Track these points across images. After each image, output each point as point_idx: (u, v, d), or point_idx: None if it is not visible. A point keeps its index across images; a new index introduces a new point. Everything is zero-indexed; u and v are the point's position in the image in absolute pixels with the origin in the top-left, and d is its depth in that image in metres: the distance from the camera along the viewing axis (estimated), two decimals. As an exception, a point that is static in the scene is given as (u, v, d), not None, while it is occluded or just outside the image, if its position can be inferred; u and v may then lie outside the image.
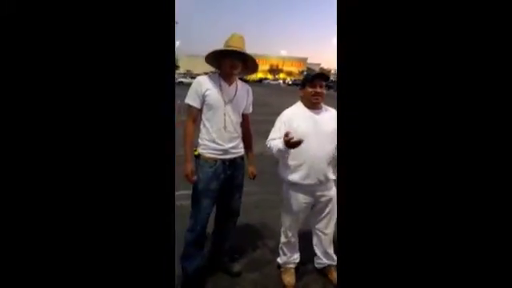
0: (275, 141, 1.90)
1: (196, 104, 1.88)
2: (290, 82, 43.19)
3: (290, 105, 2.08)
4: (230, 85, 1.93)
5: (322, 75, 1.96)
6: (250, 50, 1.94)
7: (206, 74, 2.00)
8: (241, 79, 2.09)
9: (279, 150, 1.84)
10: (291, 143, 1.73)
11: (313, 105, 1.95)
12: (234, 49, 1.84)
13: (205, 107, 1.89)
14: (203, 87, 1.87)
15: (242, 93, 2.00)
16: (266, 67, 72.01)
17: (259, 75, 66.29)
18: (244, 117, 2.05)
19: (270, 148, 1.95)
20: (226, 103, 1.90)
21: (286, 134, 1.74)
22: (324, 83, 1.95)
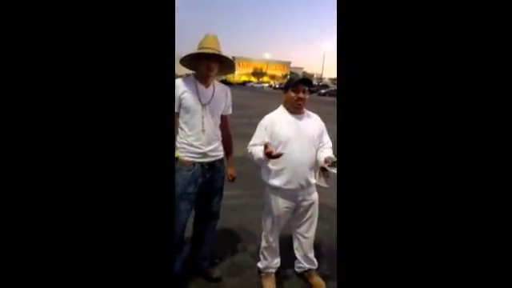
0: (256, 148, 1.89)
1: None
2: (277, 86, 43.02)
3: (274, 108, 2.07)
4: (206, 87, 1.90)
5: (306, 80, 1.96)
6: (233, 52, 1.94)
7: (188, 75, 1.96)
8: (223, 81, 2.07)
9: (259, 159, 1.85)
10: (271, 156, 1.73)
11: (295, 109, 1.95)
12: (209, 51, 1.80)
13: (182, 110, 1.85)
14: (179, 90, 1.83)
15: (220, 94, 1.97)
16: (250, 70, 72.07)
17: (242, 78, 66.24)
18: (223, 118, 2.02)
19: (250, 154, 1.94)
20: (203, 105, 1.86)
21: (266, 146, 1.74)
22: (307, 88, 1.95)
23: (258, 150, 1.86)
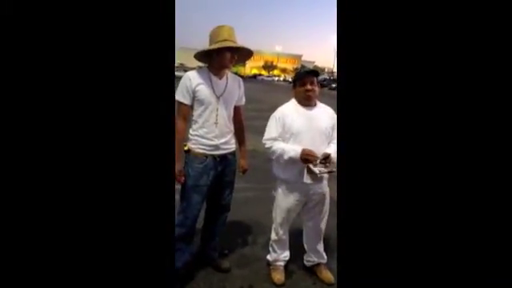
0: (283, 145, 1.88)
1: (186, 100, 1.83)
2: (291, 80, 42.84)
3: (285, 101, 2.06)
4: (220, 78, 1.89)
5: (311, 72, 1.95)
6: (244, 44, 1.91)
7: (200, 67, 1.96)
8: (235, 74, 2.07)
9: (289, 158, 1.84)
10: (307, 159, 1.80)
11: (306, 101, 1.94)
12: (233, 44, 1.81)
13: (196, 103, 1.85)
14: (193, 82, 1.82)
15: (234, 85, 1.96)
16: (261, 63, 71.56)
17: (253, 71, 65.88)
18: (236, 109, 2.02)
19: (271, 149, 1.92)
20: (217, 98, 1.86)
21: (309, 154, 1.79)
22: (315, 79, 1.93)
23: (287, 149, 1.85)
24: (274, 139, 1.92)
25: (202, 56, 1.91)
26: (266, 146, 1.94)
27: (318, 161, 1.82)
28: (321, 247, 2.15)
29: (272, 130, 1.94)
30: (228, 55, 1.82)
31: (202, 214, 2.08)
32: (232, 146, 2.00)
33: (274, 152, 1.90)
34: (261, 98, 13.90)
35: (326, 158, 1.83)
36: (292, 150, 1.84)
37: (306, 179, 1.90)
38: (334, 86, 29.90)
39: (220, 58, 1.84)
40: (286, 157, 1.86)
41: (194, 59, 1.95)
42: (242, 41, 1.90)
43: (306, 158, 1.80)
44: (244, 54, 1.98)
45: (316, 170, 1.82)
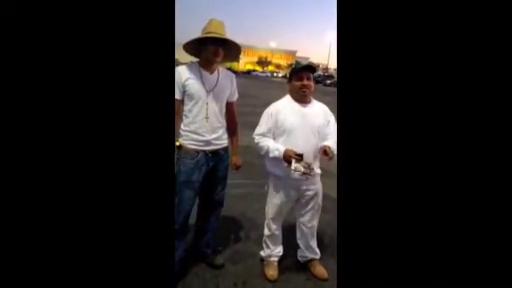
0: (268, 143, 1.89)
1: (176, 95, 1.81)
2: (287, 75, 43.10)
3: (280, 97, 2.05)
4: (211, 73, 1.87)
5: (308, 67, 1.94)
6: (237, 40, 1.89)
7: (192, 63, 1.94)
8: (229, 69, 2.05)
9: (274, 157, 1.85)
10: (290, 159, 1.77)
11: (301, 98, 1.93)
12: (215, 35, 1.77)
13: (186, 98, 1.84)
14: (183, 77, 1.81)
15: (225, 81, 1.94)
16: (255, 59, 71.28)
17: (247, 66, 65.68)
18: (228, 105, 2.00)
19: (258, 145, 1.94)
20: (207, 92, 1.84)
21: (291, 156, 1.77)
22: (311, 75, 1.92)
23: (271, 147, 1.86)
24: (263, 135, 1.94)
25: (191, 49, 1.89)
26: (255, 141, 1.97)
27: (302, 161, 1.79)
28: (314, 243, 2.16)
29: (262, 125, 1.96)
30: (211, 48, 1.79)
31: (195, 210, 2.07)
32: (224, 141, 1.99)
33: (261, 148, 1.94)
34: (255, 94, 13.87)
35: (310, 164, 1.81)
36: (276, 149, 1.85)
37: (292, 174, 1.88)
38: (328, 82, 29.98)
39: (203, 51, 1.83)
40: (270, 155, 1.88)
41: (188, 55, 1.93)
42: (236, 36, 1.88)
43: (289, 159, 1.79)
44: (233, 50, 1.95)
45: (292, 166, 1.77)
